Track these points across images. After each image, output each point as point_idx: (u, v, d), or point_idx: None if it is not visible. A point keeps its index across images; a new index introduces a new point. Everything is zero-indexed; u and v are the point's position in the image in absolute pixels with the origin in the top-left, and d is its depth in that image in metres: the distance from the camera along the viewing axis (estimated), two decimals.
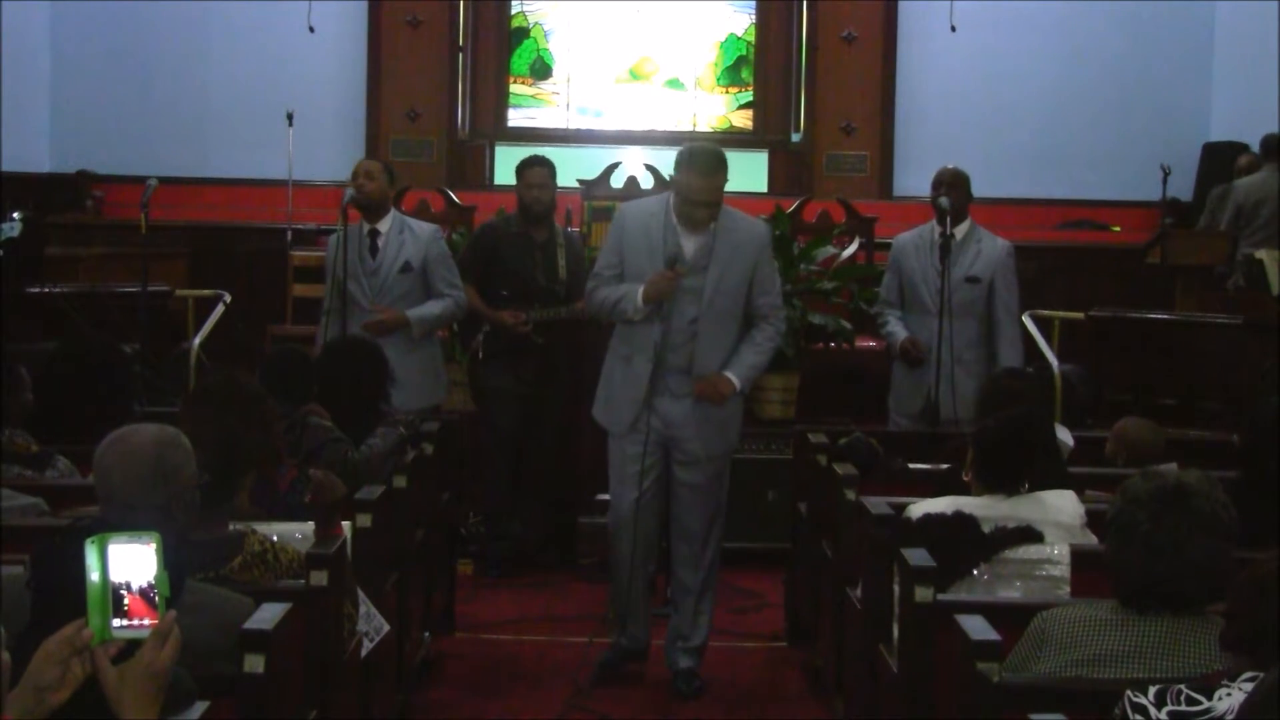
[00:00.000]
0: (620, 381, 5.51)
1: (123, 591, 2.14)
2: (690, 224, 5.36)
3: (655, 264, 5.34)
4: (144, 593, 2.15)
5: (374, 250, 6.59)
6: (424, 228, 6.85)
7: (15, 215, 7.07)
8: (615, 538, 5.60)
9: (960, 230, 6.56)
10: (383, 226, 6.64)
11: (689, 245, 5.39)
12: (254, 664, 3.05)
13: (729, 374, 5.44)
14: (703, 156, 5.36)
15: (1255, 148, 10.53)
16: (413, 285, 6.63)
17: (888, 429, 6.56)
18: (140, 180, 7.57)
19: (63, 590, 2.39)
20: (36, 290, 7.54)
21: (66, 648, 2.15)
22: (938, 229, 6.63)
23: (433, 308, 6.66)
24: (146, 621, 2.16)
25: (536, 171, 7.04)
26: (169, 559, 2.21)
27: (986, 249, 6.64)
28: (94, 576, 2.13)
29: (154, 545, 2.15)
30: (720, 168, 5.37)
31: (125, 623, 2.15)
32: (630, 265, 5.43)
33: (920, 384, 6.57)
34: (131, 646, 2.17)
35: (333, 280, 6.51)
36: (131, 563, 2.15)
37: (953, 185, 6.56)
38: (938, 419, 6.43)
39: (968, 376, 6.39)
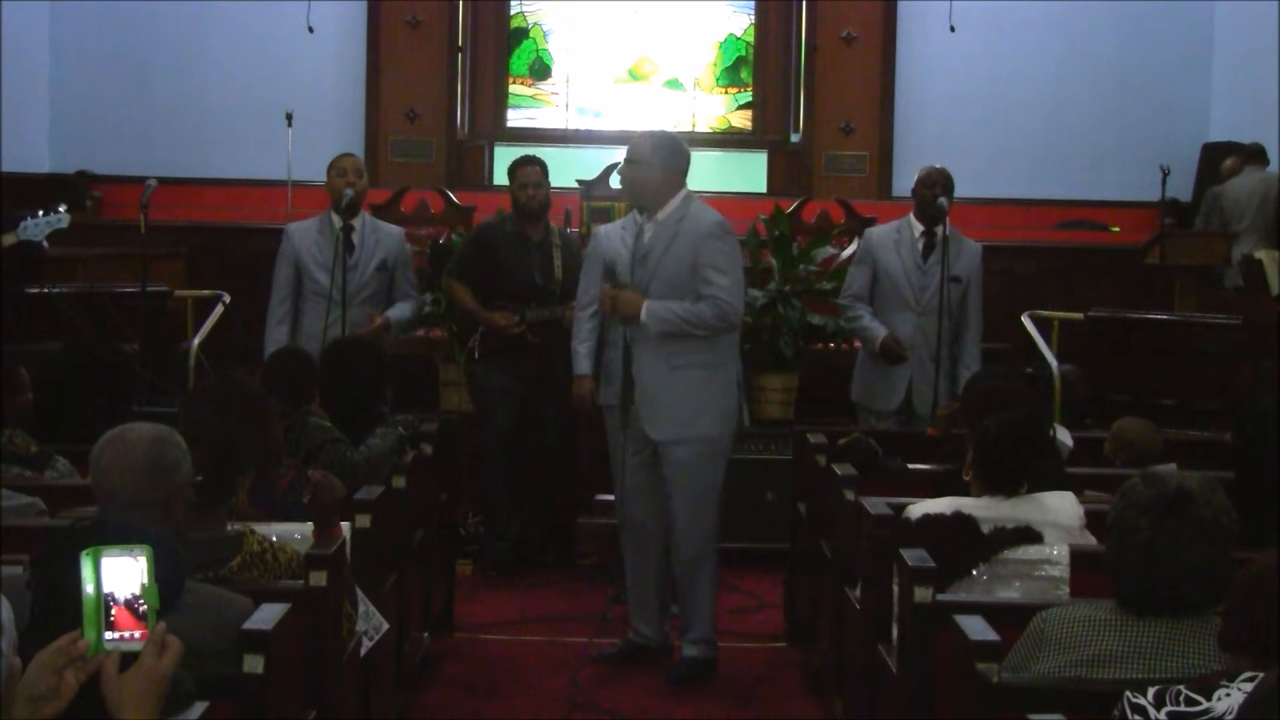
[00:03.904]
0: (611, 362, 5.68)
1: (111, 603, 2.15)
2: (647, 211, 5.58)
3: (620, 268, 5.57)
4: (130, 604, 2.16)
5: (349, 246, 6.57)
6: (392, 229, 6.89)
7: (61, 208, 7.05)
8: (618, 522, 5.77)
9: (938, 230, 6.54)
10: (356, 223, 6.64)
11: (649, 231, 5.55)
12: (253, 664, 3.05)
13: (646, 301, 5.46)
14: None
15: None
16: (383, 284, 6.65)
17: (881, 429, 6.54)
18: (139, 180, 7.56)
19: (63, 592, 2.39)
20: (36, 290, 7.53)
21: (61, 657, 2.15)
22: (918, 226, 6.61)
23: (405, 311, 6.71)
24: (138, 634, 2.16)
25: (529, 170, 7.05)
26: (169, 559, 2.21)
27: (965, 249, 6.62)
28: (88, 589, 2.14)
29: (145, 558, 2.16)
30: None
31: (116, 635, 2.15)
32: (610, 278, 5.63)
33: (896, 380, 6.54)
34: (132, 655, 2.18)
35: (293, 274, 6.52)
36: (124, 575, 2.15)
37: (947, 186, 6.55)
38: (913, 416, 6.44)
39: (945, 375, 6.40)
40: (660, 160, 5.50)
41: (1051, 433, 4.77)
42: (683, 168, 5.60)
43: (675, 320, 5.43)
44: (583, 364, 5.81)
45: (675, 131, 5.95)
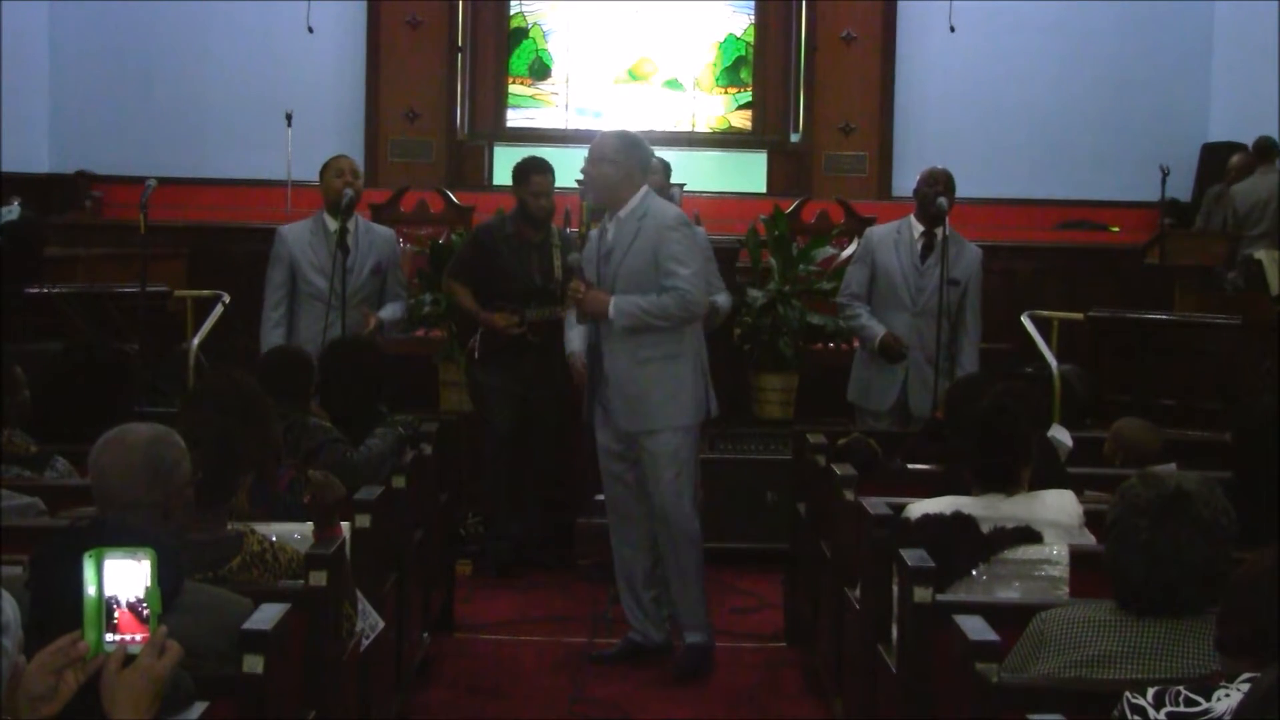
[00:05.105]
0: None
1: (114, 606, 2.15)
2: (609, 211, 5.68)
3: (590, 268, 5.68)
4: (134, 608, 2.16)
5: (344, 249, 6.55)
6: (384, 230, 6.86)
7: (15, 201, 7.05)
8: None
9: (938, 232, 6.52)
10: (350, 225, 6.62)
11: (611, 229, 5.64)
12: (253, 664, 3.05)
13: (611, 298, 5.54)
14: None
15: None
16: (376, 286, 6.63)
17: (889, 429, 6.54)
18: (139, 180, 7.56)
19: (61, 593, 2.39)
20: (35, 290, 7.53)
21: (60, 658, 2.15)
22: (918, 226, 6.59)
23: (396, 311, 6.69)
24: (138, 637, 2.17)
25: (541, 180, 7.02)
26: (168, 559, 2.21)
27: (964, 252, 6.59)
28: (90, 590, 2.14)
29: (148, 561, 2.16)
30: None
31: (116, 638, 2.15)
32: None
33: (891, 380, 6.53)
34: (132, 655, 2.18)
35: (288, 277, 6.51)
36: (126, 577, 2.16)
37: (948, 186, 6.54)
38: (909, 416, 6.44)
39: (943, 375, 6.39)
40: (621, 158, 5.58)
41: (1021, 416, 4.71)
42: (644, 165, 5.69)
43: (640, 314, 5.51)
44: (575, 344, 6.07)
45: (636, 131, 6.00)
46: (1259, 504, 3.99)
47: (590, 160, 5.65)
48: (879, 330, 6.50)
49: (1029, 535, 3.91)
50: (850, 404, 6.78)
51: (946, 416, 5.10)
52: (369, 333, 6.37)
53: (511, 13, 12.24)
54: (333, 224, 6.50)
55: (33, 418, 4.93)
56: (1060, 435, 5.30)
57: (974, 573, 3.86)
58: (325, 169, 6.66)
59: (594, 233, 5.84)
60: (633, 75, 12.31)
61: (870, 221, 9.40)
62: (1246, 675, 2.51)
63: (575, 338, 6.10)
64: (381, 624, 4.19)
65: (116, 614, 2.15)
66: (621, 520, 5.77)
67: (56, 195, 11.02)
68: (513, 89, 12.26)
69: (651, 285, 5.51)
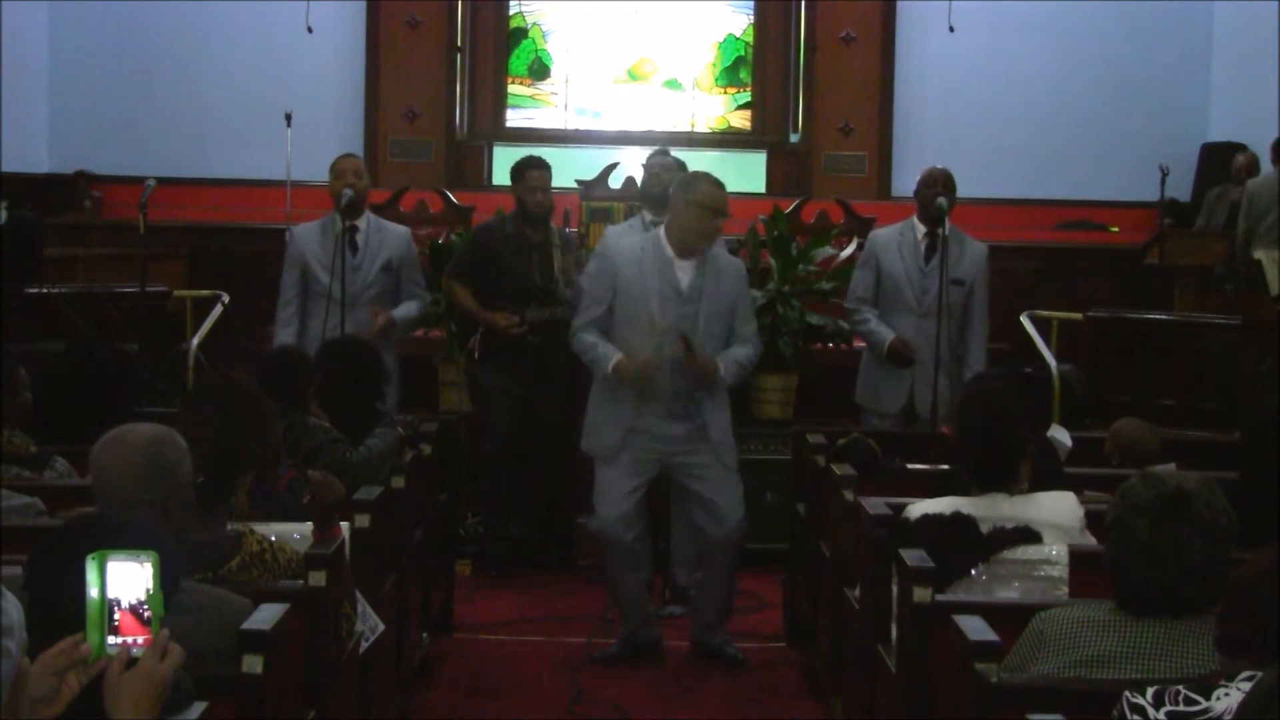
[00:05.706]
0: (607, 410, 5.74)
1: (115, 608, 2.15)
2: (686, 252, 5.66)
3: (648, 304, 5.59)
4: (135, 610, 2.16)
5: (353, 247, 6.55)
6: (398, 228, 6.88)
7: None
8: (604, 549, 5.84)
9: (940, 232, 6.50)
10: (360, 224, 6.62)
11: (684, 278, 5.67)
12: (252, 664, 3.05)
13: (719, 361, 5.66)
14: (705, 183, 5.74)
15: (1254, 148, 10.52)
16: (388, 284, 6.64)
17: (890, 430, 6.53)
18: (139, 180, 7.57)
19: (58, 594, 2.39)
20: (35, 290, 7.54)
21: (63, 660, 2.15)
22: (921, 228, 6.58)
23: (411, 309, 6.71)
24: (140, 639, 2.17)
25: (538, 175, 7.03)
26: (167, 558, 2.22)
27: (969, 251, 6.58)
28: (93, 593, 2.14)
29: (150, 564, 2.16)
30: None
31: (119, 640, 2.15)
32: (624, 308, 5.66)
33: (899, 383, 6.53)
34: (134, 657, 2.18)
35: (299, 277, 6.51)
36: (128, 580, 2.16)
37: (948, 186, 6.53)
38: (916, 418, 6.43)
39: (947, 376, 6.39)
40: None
41: (1019, 416, 4.71)
42: None
43: (739, 370, 5.80)
44: (610, 356, 5.66)
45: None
46: (1263, 504, 3.98)
47: (718, 215, 5.68)
48: (888, 335, 6.50)
49: (1028, 535, 3.91)
50: (857, 405, 6.79)
51: (953, 419, 5.08)
52: (375, 331, 6.37)
53: (511, 13, 12.24)
54: (343, 223, 6.53)
55: (33, 418, 4.93)
56: (1060, 435, 5.30)
57: (973, 573, 3.86)
58: (330, 168, 6.69)
59: (625, 243, 5.89)
60: (632, 75, 12.31)
61: (870, 222, 9.39)
62: (1246, 675, 2.51)
63: (603, 349, 5.66)
64: (382, 627, 4.19)
65: (118, 616, 2.15)
66: (627, 546, 5.71)
67: (56, 195, 11.02)
68: (512, 89, 12.27)
69: (727, 328, 5.71)
